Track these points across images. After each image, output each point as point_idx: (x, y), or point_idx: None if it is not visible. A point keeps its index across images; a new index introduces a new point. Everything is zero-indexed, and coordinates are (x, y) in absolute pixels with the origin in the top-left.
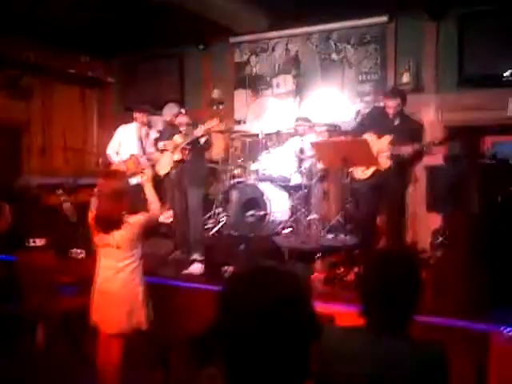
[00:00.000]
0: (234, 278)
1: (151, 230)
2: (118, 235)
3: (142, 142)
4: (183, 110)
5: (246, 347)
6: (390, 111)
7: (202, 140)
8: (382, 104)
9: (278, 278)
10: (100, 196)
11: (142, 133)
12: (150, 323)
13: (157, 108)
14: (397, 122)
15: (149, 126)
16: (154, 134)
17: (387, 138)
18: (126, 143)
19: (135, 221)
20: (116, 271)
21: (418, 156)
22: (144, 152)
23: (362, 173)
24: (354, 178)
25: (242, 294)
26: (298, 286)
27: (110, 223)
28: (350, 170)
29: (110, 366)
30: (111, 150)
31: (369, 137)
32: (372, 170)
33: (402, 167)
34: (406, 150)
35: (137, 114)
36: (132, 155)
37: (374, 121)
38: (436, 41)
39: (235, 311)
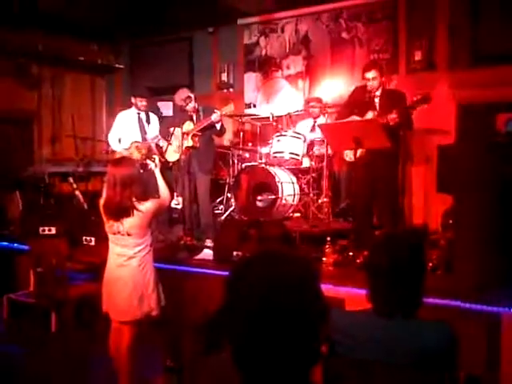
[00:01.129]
0: (242, 262)
1: (161, 216)
2: (128, 222)
3: (143, 128)
4: (192, 95)
5: (254, 332)
6: (369, 83)
7: (219, 125)
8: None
9: (286, 261)
10: (109, 183)
11: (143, 118)
12: (160, 309)
13: (167, 93)
14: (378, 97)
15: (154, 111)
16: (155, 120)
17: (371, 114)
18: (126, 130)
19: (146, 208)
20: (127, 258)
21: (406, 123)
22: (145, 138)
23: (352, 155)
24: (346, 161)
25: (250, 278)
26: (305, 269)
27: (121, 211)
28: (345, 152)
29: (122, 352)
30: (112, 138)
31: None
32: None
33: (393, 138)
34: (392, 117)
35: (134, 100)
36: (134, 142)
37: (357, 100)
38: (449, 16)
39: (243, 295)
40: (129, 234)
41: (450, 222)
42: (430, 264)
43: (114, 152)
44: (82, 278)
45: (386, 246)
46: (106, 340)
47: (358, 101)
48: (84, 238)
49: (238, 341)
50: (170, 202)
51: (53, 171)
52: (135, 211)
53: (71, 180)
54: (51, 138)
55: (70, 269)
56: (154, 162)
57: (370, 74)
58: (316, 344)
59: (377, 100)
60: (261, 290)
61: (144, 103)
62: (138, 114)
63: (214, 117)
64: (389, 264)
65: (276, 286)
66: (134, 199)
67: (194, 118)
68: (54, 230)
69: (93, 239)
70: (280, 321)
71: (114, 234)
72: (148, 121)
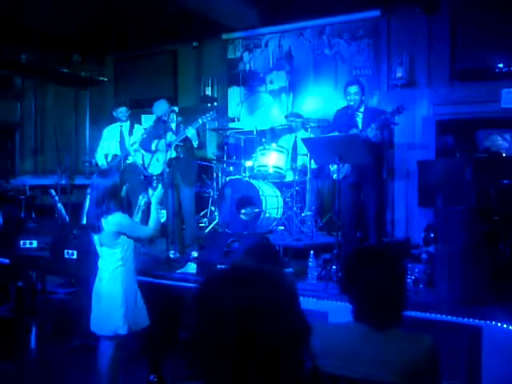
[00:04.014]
0: (210, 278)
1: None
2: (103, 231)
3: (123, 141)
4: (175, 108)
5: (225, 353)
6: (350, 98)
7: (196, 143)
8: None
9: (257, 278)
10: (92, 197)
11: (124, 131)
12: (130, 329)
13: (151, 106)
14: (360, 115)
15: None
16: (140, 131)
17: (354, 131)
18: (111, 144)
19: (116, 221)
20: (101, 272)
21: (388, 142)
22: (125, 151)
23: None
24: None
25: (218, 294)
26: (279, 286)
27: (93, 226)
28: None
29: (102, 366)
30: (99, 154)
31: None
32: (346, 167)
33: (376, 154)
34: (371, 131)
35: (119, 111)
36: (114, 156)
37: (340, 121)
38: (428, 35)
39: (211, 314)
40: (101, 244)
41: (432, 235)
42: (412, 278)
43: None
44: (63, 292)
45: (361, 261)
46: (86, 354)
47: (341, 121)
48: (66, 251)
49: (208, 364)
50: (148, 238)
51: (34, 183)
52: (108, 219)
53: (53, 192)
54: (33, 150)
55: (50, 283)
56: (145, 198)
57: (352, 89)
58: (296, 365)
59: (359, 119)
60: (230, 313)
61: (124, 112)
62: (121, 126)
63: (187, 132)
64: (366, 278)
65: (247, 307)
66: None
67: (175, 128)
68: (35, 244)
69: (75, 253)
70: (254, 345)
71: (96, 246)
72: (130, 132)
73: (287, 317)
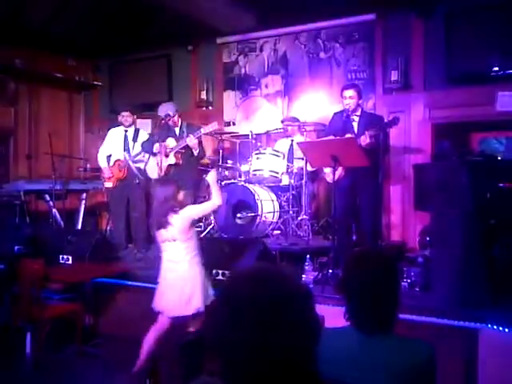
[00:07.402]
0: (231, 280)
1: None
2: (172, 229)
3: (126, 146)
4: (171, 113)
5: (249, 352)
6: (346, 101)
7: (196, 151)
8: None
9: (276, 279)
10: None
11: (129, 136)
12: (204, 304)
13: (145, 110)
14: (356, 119)
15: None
16: (144, 137)
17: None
18: (114, 147)
19: (185, 214)
20: (176, 262)
21: (383, 147)
22: (125, 156)
23: (331, 176)
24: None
25: (240, 298)
26: (296, 287)
27: (159, 224)
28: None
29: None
30: (101, 155)
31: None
32: (340, 170)
33: (371, 157)
34: (364, 139)
35: (121, 116)
36: (117, 160)
37: (337, 124)
38: (424, 38)
39: (236, 312)
40: (174, 240)
41: (428, 239)
42: (408, 281)
43: (98, 169)
44: (57, 298)
45: (358, 263)
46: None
47: (337, 125)
48: (61, 256)
49: (230, 362)
50: (218, 206)
51: (29, 189)
52: (176, 218)
53: (48, 198)
54: (27, 155)
55: (45, 288)
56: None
57: (348, 93)
58: (312, 364)
59: (355, 124)
60: (255, 307)
61: (127, 118)
62: (126, 131)
63: (188, 140)
64: (361, 280)
65: (268, 305)
66: (171, 213)
67: (178, 134)
68: (30, 249)
69: (70, 258)
70: (274, 341)
71: (163, 241)
72: (135, 139)
73: (303, 314)
